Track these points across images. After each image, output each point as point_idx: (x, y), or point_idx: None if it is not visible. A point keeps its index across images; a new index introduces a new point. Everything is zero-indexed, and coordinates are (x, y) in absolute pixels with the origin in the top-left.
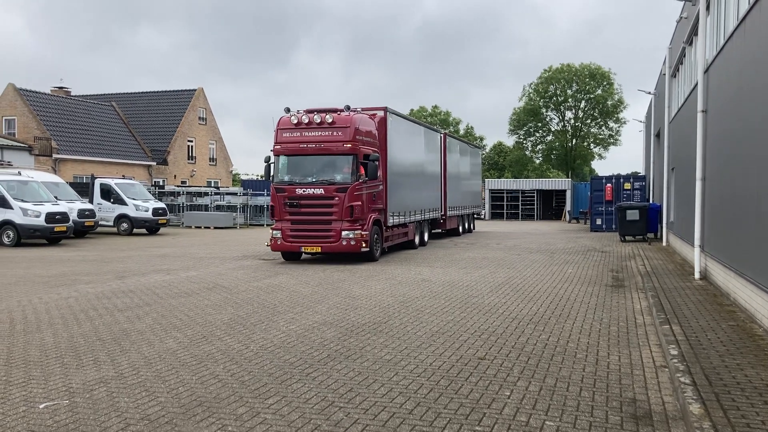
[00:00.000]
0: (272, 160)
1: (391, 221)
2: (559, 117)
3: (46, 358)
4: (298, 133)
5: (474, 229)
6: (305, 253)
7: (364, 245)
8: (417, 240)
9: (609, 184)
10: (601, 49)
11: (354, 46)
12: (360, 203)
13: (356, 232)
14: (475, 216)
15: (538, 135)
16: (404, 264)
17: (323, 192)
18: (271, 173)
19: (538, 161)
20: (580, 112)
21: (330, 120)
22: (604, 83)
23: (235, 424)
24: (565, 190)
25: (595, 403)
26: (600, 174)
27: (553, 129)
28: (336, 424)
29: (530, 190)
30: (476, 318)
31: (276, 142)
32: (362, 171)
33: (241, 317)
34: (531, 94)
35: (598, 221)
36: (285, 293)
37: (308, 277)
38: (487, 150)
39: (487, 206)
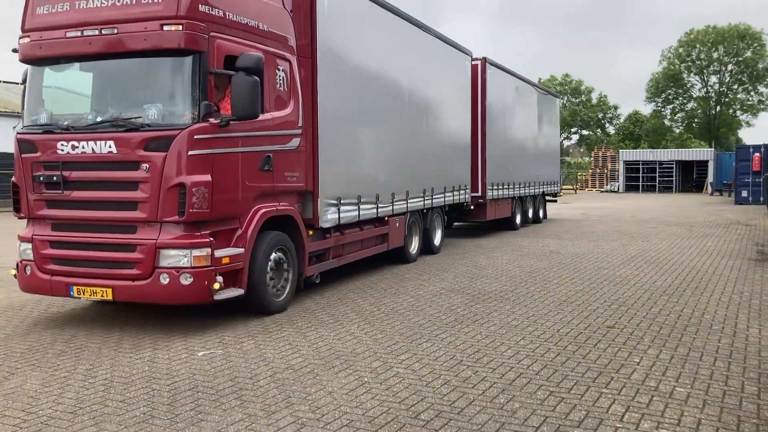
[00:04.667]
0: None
1: (331, 217)
2: (702, 82)
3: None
4: (65, 6)
5: (545, 217)
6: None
7: (217, 287)
8: (413, 245)
9: (757, 154)
10: None
11: (504, 11)
12: (209, 178)
13: (199, 252)
14: (547, 198)
15: (677, 102)
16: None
17: (113, 149)
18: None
19: (677, 130)
20: (726, 75)
21: None
22: (755, 44)
23: (371, 376)
24: (707, 161)
25: (730, 374)
26: (747, 143)
27: (695, 95)
28: (464, 380)
29: (668, 161)
30: (606, 288)
31: (23, 32)
32: (223, 102)
33: (372, 282)
34: (671, 59)
35: (744, 193)
36: (459, 246)
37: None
38: (622, 120)
39: (621, 178)
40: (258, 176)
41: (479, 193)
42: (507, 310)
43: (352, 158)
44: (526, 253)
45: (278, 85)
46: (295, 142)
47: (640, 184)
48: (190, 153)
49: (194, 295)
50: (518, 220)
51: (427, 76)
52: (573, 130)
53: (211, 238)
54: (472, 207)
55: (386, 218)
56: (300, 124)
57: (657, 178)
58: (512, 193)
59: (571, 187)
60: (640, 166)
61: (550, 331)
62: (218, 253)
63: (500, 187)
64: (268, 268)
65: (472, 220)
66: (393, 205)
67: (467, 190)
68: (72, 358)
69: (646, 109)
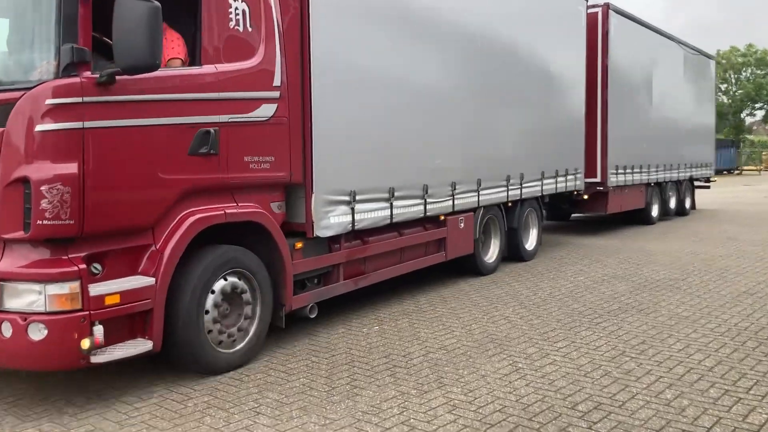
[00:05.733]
0: None
1: (336, 221)
2: None
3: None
4: None
5: (692, 207)
6: None
7: (87, 345)
8: (490, 252)
9: None
10: None
11: None
12: (74, 169)
13: (59, 288)
14: (697, 184)
15: None
16: None
17: None
18: None
19: None
20: None
21: None
22: None
23: (525, 362)
24: None
25: None
26: None
27: None
28: (627, 372)
29: None
30: None
31: None
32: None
33: (528, 266)
34: None
35: None
36: (570, 246)
37: (596, 230)
38: None
39: None
40: (187, 163)
41: (597, 179)
42: (677, 300)
43: (376, 133)
44: (701, 239)
45: (233, 23)
46: (267, 109)
47: None
48: (39, 128)
49: (52, 358)
50: (655, 212)
51: (517, 20)
52: (757, 105)
53: (90, 265)
54: (585, 197)
55: (443, 217)
56: (277, 83)
57: None
58: (646, 178)
59: (754, 168)
60: None
61: (726, 325)
62: (98, 289)
63: (628, 170)
64: (208, 305)
65: (587, 212)
66: (453, 199)
67: (578, 176)
68: None
69: None
